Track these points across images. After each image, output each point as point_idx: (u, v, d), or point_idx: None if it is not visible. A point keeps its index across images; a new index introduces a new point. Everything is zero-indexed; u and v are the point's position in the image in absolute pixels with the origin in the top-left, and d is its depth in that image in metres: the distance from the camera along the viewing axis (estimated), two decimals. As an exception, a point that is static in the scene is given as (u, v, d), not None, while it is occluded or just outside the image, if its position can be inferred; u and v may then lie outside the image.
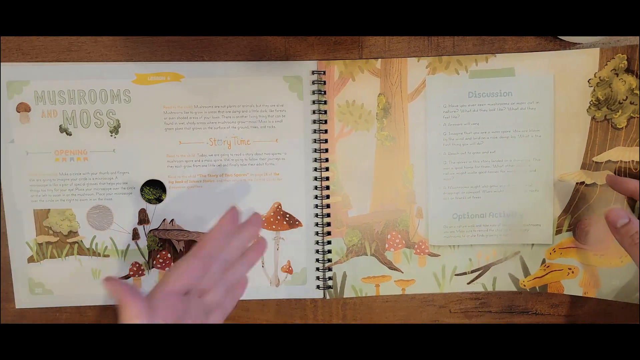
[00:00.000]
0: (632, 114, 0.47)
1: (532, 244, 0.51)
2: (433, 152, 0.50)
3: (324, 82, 0.49)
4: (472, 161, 0.50)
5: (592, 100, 0.48)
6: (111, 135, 0.49)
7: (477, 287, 0.52)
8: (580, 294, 0.50)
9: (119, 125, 0.49)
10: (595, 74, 0.47)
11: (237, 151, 0.50)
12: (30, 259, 0.50)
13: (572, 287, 0.50)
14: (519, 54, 0.48)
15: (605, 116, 0.48)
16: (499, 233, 0.51)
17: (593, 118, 0.48)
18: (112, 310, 0.52)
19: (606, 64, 0.47)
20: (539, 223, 0.50)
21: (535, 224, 0.50)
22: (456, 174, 0.50)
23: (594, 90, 0.48)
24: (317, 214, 0.51)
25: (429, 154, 0.50)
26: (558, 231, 0.50)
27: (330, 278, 0.52)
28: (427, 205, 0.51)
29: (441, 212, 0.50)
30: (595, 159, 0.48)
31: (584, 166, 0.49)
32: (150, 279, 0.51)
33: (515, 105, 0.49)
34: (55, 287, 0.51)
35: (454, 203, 0.50)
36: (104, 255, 0.51)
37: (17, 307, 0.51)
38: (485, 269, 0.51)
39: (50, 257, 0.50)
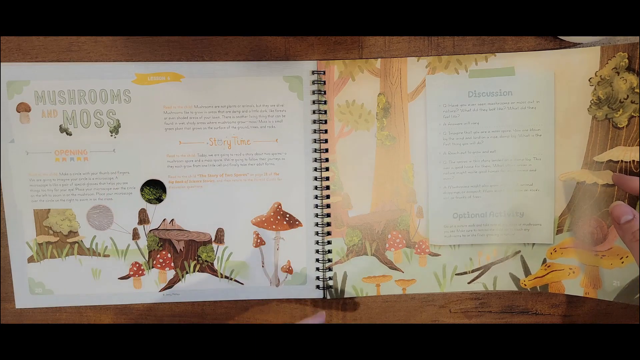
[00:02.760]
0: (632, 113, 0.47)
1: (533, 244, 0.50)
2: (433, 152, 0.50)
3: (324, 82, 0.49)
4: (472, 160, 0.50)
5: (592, 99, 0.48)
6: (111, 135, 0.49)
7: (477, 286, 0.52)
8: (581, 294, 0.50)
9: (119, 125, 0.49)
10: (596, 73, 0.47)
11: (237, 151, 0.50)
12: (30, 259, 0.50)
13: (573, 287, 0.50)
14: (519, 53, 0.48)
15: (606, 115, 0.47)
16: (500, 232, 0.51)
17: (594, 117, 0.48)
18: (112, 310, 0.52)
19: (607, 63, 0.47)
20: (539, 223, 0.50)
21: (535, 223, 0.50)
22: (456, 174, 0.50)
23: (595, 89, 0.47)
24: (317, 214, 0.51)
25: (429, 153, 0.50)
26: (559, 231, 0.50)
27: (330, 278, 0.52)
28: (427, 205, 0.51)
29: (441, 212, 0.50)
30: (596, 158, 0.48)
31: (584, 165, 0.48)
32: (150, 279, 0.51)
33: (515, 105, 0.49)
34: (55, 287, 0.51)
35: (454, 202, 0.50)
36: (104, 255, 0.51)
37: (17, 307, 0.51)
38: (485, 268, 0.51)
39: (50, 257, 0.50)
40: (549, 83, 0.48)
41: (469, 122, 0.49)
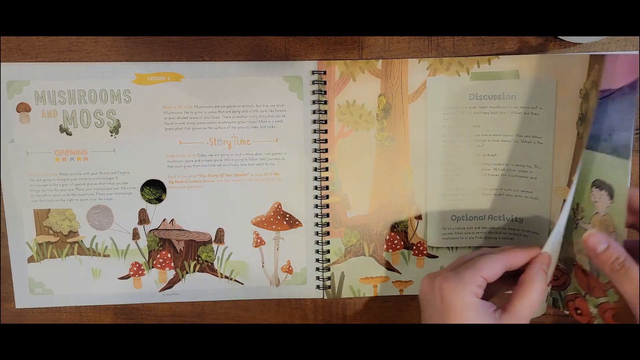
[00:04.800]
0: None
1: None
2: (433, 154, 0.50)
3: (324, 82, 0.49)
4: (472, 163, 0.49)
5: (579, 114, 0.44)
6: (111, 135, 0.49)
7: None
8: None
9: (119, 125, 0.49)
10: (584, 85, 0.44)
11: (237, 151, 0.50)
12: (30, 259, 0.50)
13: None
14: (523, 55, 0.47)
15: (582, 134, 0.43)
16: (498, 236, 0.50)
17: (577, 134, 0.44)
18: (112, 310, 0.52)
19: (589, 74, 0.42)
20: (537, 231, 0.49)
21: (534, 231, 0.49)
22: (455, 176, 0.50)
23: (582, 102, 0.44)
24: (317, 214, 0.51)
25: (428, 155, 0.50)
26: None
27: (328, 278, 0.52)
28: (425, 206, 0.50)
29: (440, 213, 0.50)
30: (573, 178, 0.43)
31: (569, 183, 0.45)
32: (150, 279, 0.51)
33: (518, 110, 0.47)
34: (55, 287, 0.51)
35: (453, 204, 0.50)
36: (104, 255, 0.51)
37: (17, 307, 0.51)
38: None
39: (50, 257, 0.50)
40: (551, 90, 0.46)
41: (470, 124, 0.49)
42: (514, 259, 0.39)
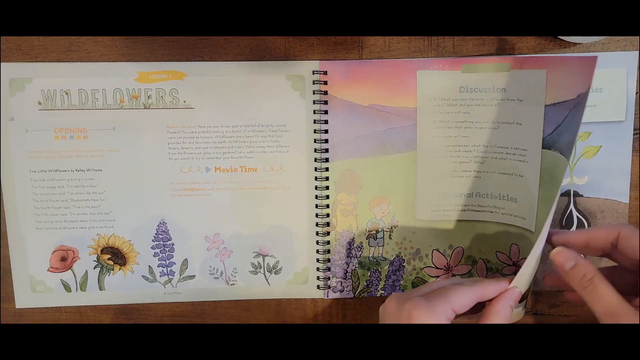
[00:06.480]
0: None
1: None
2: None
3: (326, 82, 0.49)
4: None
5: None
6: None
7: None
8: None
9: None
10: None
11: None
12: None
13: None
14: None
15: None
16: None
17: None
18: (112, 310, 0.52)
19: None
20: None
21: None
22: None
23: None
24: (317, 213, 0.51)
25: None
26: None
27: (329, 278, 0.52)
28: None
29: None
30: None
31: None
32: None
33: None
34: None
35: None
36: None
37: (17, 307, 0.51)
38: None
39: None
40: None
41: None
42: (485, 292, 0.39)
